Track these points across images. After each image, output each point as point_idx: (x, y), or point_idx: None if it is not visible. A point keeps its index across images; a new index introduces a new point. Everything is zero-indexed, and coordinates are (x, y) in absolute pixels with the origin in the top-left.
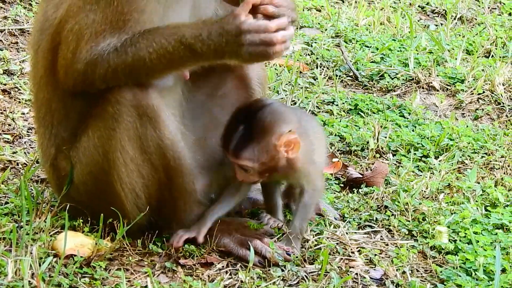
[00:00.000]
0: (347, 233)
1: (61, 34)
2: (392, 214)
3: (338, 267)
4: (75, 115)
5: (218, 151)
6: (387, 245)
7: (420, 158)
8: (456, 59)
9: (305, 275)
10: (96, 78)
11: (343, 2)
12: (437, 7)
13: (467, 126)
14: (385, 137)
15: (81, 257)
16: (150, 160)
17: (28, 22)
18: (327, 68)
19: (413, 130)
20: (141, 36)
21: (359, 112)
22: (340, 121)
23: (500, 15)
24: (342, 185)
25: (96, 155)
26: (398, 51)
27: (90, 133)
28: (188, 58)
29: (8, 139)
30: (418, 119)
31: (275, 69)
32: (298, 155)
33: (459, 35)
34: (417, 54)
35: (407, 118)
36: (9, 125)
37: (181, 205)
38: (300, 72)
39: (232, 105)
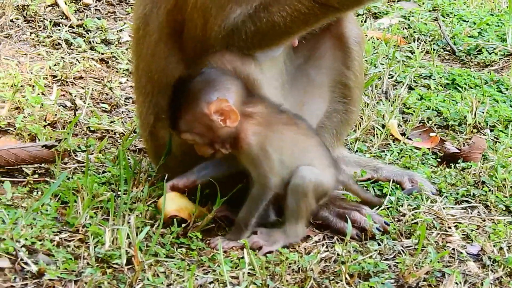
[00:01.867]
0: (444, 208)
1: (183, 10)
2: (490, 190)
3: (435, 242)
4: None
5: (315, 116)
6: (484, 220)
7: None
8: None
9: (401, 249)
10: (230, 49)
11: None
12: None
13: None
14: (483, 112)
15: (178, 227)
16: None
17: None
18: (425, 42)
19: (511, 106)
20: (271, 1)
21: (456, 87)
22: (437, 96)
23: None
24: (439, 160)
25: None
26: (496, 26)
27: None
28: (324, 15)
29: (105, 108)
30: None
31: (373, 42)
32: (245, 133)
33: None
34: None
35: (505, 94)
36: (107, 94)
37: None
38: (398, 46)
39: (328, 66)
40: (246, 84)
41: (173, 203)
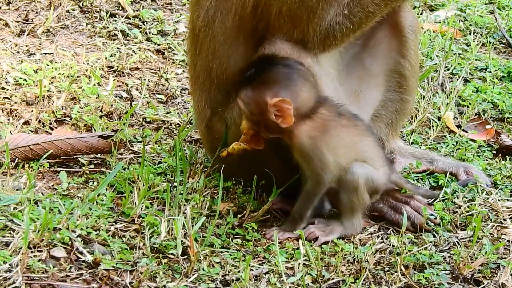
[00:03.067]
0: (499, 200)
1: (265, 17)
2: None
3: (490, 233)
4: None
5: (371, 105)
6: None
7: None
8: None
9: (456, 241)
10: (327, 49)
11: None
12: None
13: None
14: None
15: (233, 218)
16: None
17: None
18: (480, 34)
19: None
20: None
21: None
22: (493, 88)
23: None
24: (494, 152)
25: None
26: None
27: None
28: None
29: (161, 99)
30: None
31: (429, 35)
32: (300, 133)
33: None
34: None
35: None
36: (163, 85)
37: None
38: (454, 39)
39: (384, 55)
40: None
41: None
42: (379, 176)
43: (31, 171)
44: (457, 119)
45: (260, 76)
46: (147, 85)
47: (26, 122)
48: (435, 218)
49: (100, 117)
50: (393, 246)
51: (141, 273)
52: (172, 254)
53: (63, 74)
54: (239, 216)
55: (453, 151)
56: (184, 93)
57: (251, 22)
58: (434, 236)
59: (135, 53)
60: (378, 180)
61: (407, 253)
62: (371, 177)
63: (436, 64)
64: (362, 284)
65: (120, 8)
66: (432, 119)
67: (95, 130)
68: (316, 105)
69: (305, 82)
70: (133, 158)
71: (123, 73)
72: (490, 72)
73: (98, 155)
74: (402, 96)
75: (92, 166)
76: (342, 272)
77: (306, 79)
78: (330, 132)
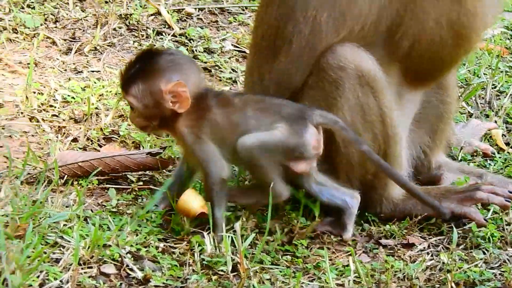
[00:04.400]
0: None
1: None
2: None
3: None
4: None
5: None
6: None
7: None
8: None
9: (507, 258)
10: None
11: None
12: None
13: None
14: None
15: (282, 234)
16: (371, 129)
17: (227, 1)
18: None
19: None
20: None
21: None
22: None
23: None
24: None
25: None
26: None
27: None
28: None
29: None
30: None
31: (476, 52)
32: (180, 123)
33: None
34: None
35: None
36: None
37: None
38: (501, 56)
39: None
40: (366, 79)
41: (196, 201)
42: (277, 136)
43: (80, 188)
44: (505, 136)
45: (146, 68)
46: None
47: (75, 140)
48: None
49: (148, 134)
50: (443, 263)
51: None
52: (222, 270)
53: (110, 91)
54: (287, 232)
55: (502, 169)
56: None
57: None
58: (484, 253)
59: None
60: (277, 139)
61: (457, 270)
62: (265, 141)
63: (483, 82)
64: None
65: (167, 26)
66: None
67: (143, 147)
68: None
69: (193, 67)
70: None
71: None
72: None
73: (147, 172)
74: (442, 98)
75: (141, 183)
76: None
77: (192, 63)
78: (206, 118)
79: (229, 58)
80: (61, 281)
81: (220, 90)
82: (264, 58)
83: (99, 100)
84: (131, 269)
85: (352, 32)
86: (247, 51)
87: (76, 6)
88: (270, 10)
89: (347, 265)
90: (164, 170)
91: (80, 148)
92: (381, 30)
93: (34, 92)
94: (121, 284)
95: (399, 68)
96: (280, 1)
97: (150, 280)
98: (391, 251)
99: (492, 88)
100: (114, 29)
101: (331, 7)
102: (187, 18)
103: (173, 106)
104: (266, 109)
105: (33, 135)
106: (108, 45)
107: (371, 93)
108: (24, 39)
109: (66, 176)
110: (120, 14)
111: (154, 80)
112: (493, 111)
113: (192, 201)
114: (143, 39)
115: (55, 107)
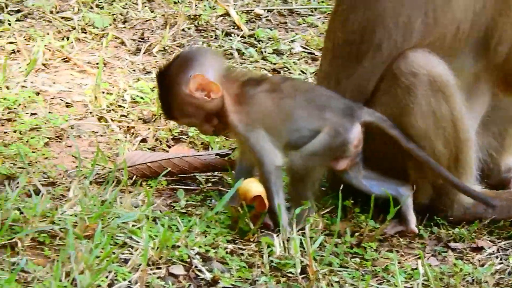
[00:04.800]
0: None
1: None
2: None
3: None
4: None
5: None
6: None
7: None
8: None
9: None
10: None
11: None
12: None
13: None
14: None
15: (351, 237)
16: (443, 134)
17: (296, 3)
18: None
19: None
20: None
21: None
22: None
23: None
24: None
25: None
26: None
27: (378, 109)
28: None
29: None
30: None
31: None
32: (228, 110)
33: None
34: None
35: None
36: None
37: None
38: None
39: None
40: (438, 85)
41: (255, 185)
42: (322, 141)
43: (149, 188)
44: None
45: (165, 88)
46: None
47: (143, 140)
48: None
49: (219, 135)
50: None
51: None
52: (290, 272)
53: None
54: (356, 235)
55: None
56: None
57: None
58: None
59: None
60: (323, 144)
61: None
62: (311, 151)
63: None
64: None
65: (235, 27)
66: None
67: (212, 148)
68: (233, 78)
69: (201, 54)
70: None
71: None
72: None
73: (215, 173)
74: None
75: (209, 184)
76: None
77: (202, 52)
78: (254, 103)
79: (298, 59)
80: (129, 281)
81: (264, 75)
82: (345, 63)
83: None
84: (200, 270)
85: (443, 39)
86: (317, 53)
87: (145, 6)
88: (354, 16)
89: (416, 268)
90: (233, 172)
91: (149, 149)
92: (475, 36)
93: (103, 92)
94: (189, 285)
95: (492, 75)
96: (366, 7)
97: (219, 281)
98: (460, 255)
99: None
100: (183, 30)
101: (424, 14)
102: (256, 19)
103: (209, 98)
104: (315, 100)
105: (101, 135)
106: (177, 46)
107: (443, 98)
108: (92, 39)
109: (134, 176)
110: (189, 15)
111: (178, 92)
112: None
113: (251, 184)
114: (211, 40)
115: (124, 107)
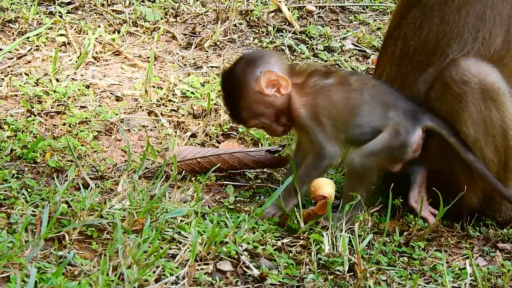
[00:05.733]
0: None
1: None
2: None
3: None
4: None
5: None
6: None
7: None
8: None
9: None
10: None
11: None
12: None
13: None
14: None
15: (399, 236)
16: (493, 142)
17: (348, 0)
18: None
19: None
20: None
21: None
22: None
23: None
24: None
25: None
26: None
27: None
28: None
29: None
30: None
31: None
32: (295, 103)
33: None
34: None
35: None
36: None
37: None
38: None
39: None
40: (490, 93)
41: (327, 185)
42: (382, 141)
43: (198, 184)
44: None
45: (232, 88)
46: None
47: (193, 135)
48: None
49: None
50: None
51: None
52: (338, 270)
53: None
54: (405, 234)
55: None
56: None
57: None
58: None
59: None
60: (384, 144)
61: None
62: (371, 150)
63: None
64: None
65: (287, 23)
66: None
67: (262, 144)
68: (301, 72)
69: (265, 53)
70: None
71: None
72: None
73: (265, 170)
74: None
75: (259, 180)
76: None
77: (265, 51)
78: (321, 95)
79: (349, 57)
80: (177, 277)
81: (329, 67)
82: (413, 70)
83: (218, 96)
84: (248, 267)
85: None
86: (368, 51)
87: (197, 1)
88: (429, 26)
89: (464, 268)
90: (282, 169)
91: (198, 144)
92: None
93: (154, 86)
94: (237, 281)
95: None
96: (443, 19)
97: (266, 278)
98: (508, 255)
99: None
100: (235, 25)
101: (506, 31)
102: (307, 15)
103: (279, 93)
104: (381, 97)
105: (151, 130)
106: (228, 41)
107: (493, 106)
108: (144, 32)
109: (184, 171)
110: (241, 10)
111: (247, 91)
112: None
113: (326, 184)
114: (263, 35)
115: (174, 102)
